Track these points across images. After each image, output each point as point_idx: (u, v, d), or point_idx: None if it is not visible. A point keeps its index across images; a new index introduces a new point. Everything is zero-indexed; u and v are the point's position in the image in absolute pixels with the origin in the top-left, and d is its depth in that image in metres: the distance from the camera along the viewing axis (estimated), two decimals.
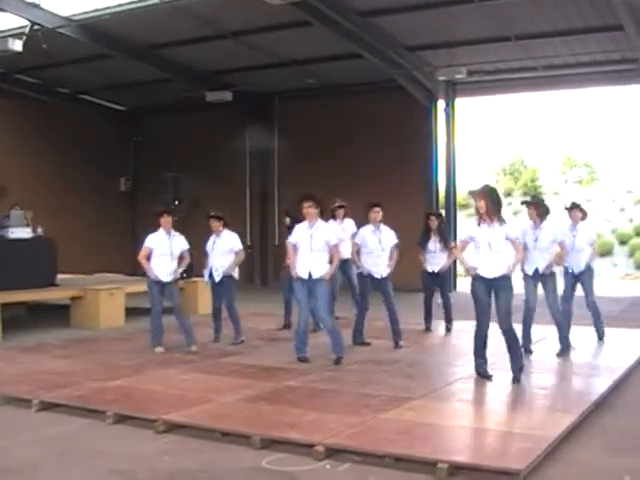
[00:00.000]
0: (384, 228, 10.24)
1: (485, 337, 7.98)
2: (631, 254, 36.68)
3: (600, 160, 49.37)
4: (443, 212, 20.25)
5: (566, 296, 10.11)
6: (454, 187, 20.43)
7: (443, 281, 11.89)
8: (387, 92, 19.92)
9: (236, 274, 10.83)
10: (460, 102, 20.82)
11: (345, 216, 12.09)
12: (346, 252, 10.91)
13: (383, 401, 6.99)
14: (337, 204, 12.02)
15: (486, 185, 8.20)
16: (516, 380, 7.78)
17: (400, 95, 19.37)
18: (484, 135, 51.56)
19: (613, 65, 18.17)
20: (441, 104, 20.21)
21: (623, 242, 37.62)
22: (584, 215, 10.41)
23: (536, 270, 9.42)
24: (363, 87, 20.43)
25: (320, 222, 9.07)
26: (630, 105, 50.88)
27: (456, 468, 5.20)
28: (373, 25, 16.24)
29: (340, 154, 20.85)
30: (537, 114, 64.79)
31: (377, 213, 10.24)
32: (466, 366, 9.06)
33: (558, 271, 9.80)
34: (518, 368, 7.85)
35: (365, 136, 20.64)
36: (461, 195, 28.80)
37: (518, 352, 7.95)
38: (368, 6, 15.43)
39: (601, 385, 7.71)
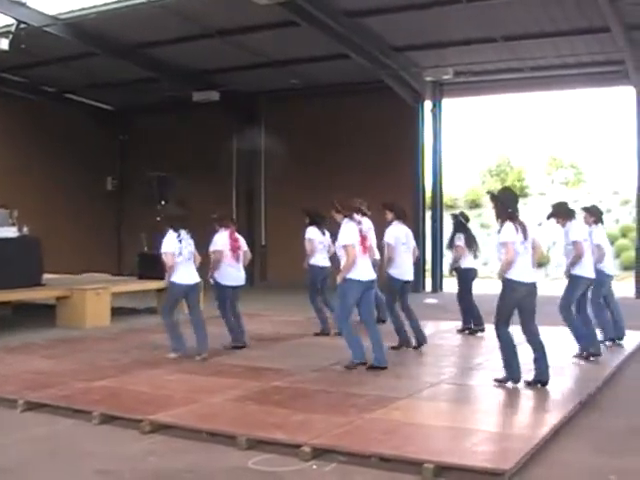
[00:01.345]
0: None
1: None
2: (617, 255, 36.83)
3: (586, 161, 49.54)
4: (429, 213, 20.39)
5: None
6: (440, 187, 20.49)
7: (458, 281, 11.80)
8: (374, 92, 19.97)
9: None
10: (447, 103, 20.88)
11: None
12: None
13: (370, 401, 6.99)
14: None
15: (502, 188, 8.20)
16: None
17: (387, 95, 19.41)
18: (471, 136, 51.60)
19: (599, 67, 18.27)
20: (428, 105, 20.27)
21: (610, 243, 37.84)
22: (595, 219, 10.30)
23: None
24: (350, 87, 20.47)
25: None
26: (616, 107, 51.07)
27: (442, 468, 5.20)
28: (360, 25, 16.26)
29: (327, 154, 20.89)
30: (523, 115, 64.91)
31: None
32: (453, 366, 9.11)
33: None
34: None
35: (352, 136, 20.68)
36: (447, 195, 28.87)
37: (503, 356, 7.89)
38: (355, 6, 15.44)
39: (587, 385, 7.74)
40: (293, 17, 15.06)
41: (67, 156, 21.93)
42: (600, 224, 10.31)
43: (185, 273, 9.45)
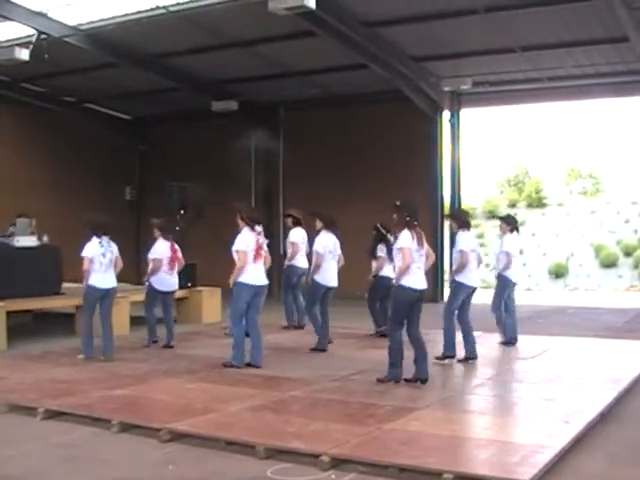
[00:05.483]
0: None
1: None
2: (636, 265, 36.70)
3: (605, 171, 49.36)
4: (448, 223, 20.35)
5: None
6: (459, 197, 20.42)
7: None
8: (392, 102, 19.93)
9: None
10: (465, 113, 20.85)
11: (295, 225, 12.56)
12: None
13: (388, 411, 6.99)
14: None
15: (403, 198, 8.62)
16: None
17: (405, 105, 19.38)
18: (489, 146, 51.53)
19: (618, 76, 18.16)
20: (446, 115, 20.24)
21: (628, 254, 37.63)
22: (511, 227, 11.05)
23: None
24: (368, 97, 20.46)
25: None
26: (635, 116, 50.86)
27: (461, 479, 5.19)
28: (378, 36, 16.27)
29: (345, 165, 20.87)
30: (542, 125, 64.79)
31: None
32: (471, 377, 9.09)
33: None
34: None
35: (370, 147, 20.65)
36: (466, 206, 28.81)
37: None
38: (373, 17, 15.46)
39: (606, 396, 7.70)
40: (312, 27, 15.07)
41: (86, 165, 22.00)
42: (515, 232, 11.09)
43: (102, 278, 10.01)
